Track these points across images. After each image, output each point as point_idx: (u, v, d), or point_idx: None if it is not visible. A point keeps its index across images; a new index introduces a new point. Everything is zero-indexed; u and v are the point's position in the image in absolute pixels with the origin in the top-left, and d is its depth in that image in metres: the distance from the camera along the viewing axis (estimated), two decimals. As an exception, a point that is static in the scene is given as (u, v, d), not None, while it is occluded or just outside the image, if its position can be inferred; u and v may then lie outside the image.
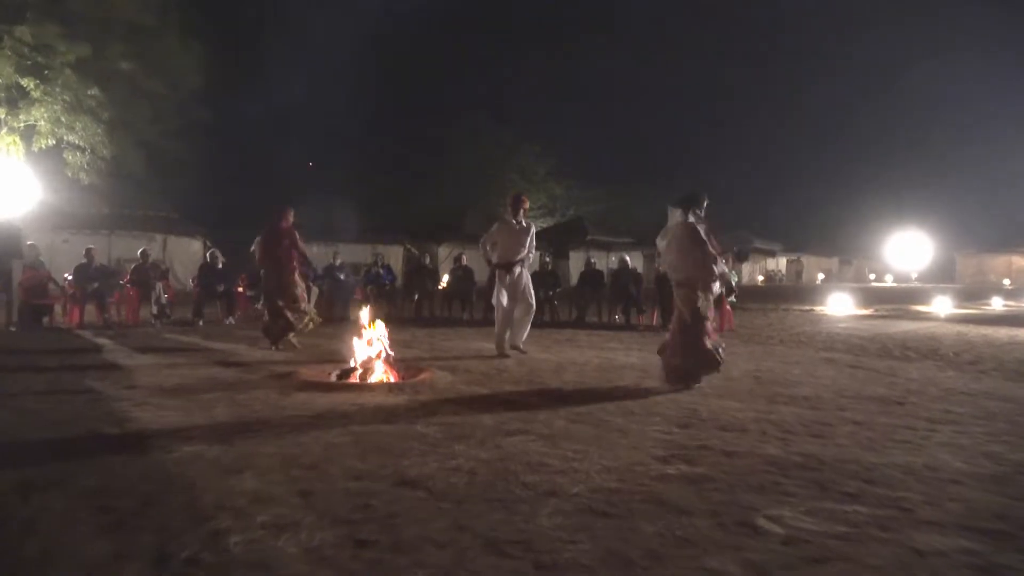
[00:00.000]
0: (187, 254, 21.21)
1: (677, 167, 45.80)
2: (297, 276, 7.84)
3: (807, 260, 41.84)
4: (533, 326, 7.71)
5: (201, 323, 10.76)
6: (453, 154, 35.39)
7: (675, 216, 5.51)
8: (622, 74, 56.45)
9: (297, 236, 7.77)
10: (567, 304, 12.67)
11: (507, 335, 7.25)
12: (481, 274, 16.43)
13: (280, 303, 7.63)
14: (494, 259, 7.27)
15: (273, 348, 7.51)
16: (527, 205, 7.41)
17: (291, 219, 7.81)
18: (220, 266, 11.80)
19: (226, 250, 12.86)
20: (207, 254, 12.59)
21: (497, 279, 7.29)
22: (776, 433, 3.95)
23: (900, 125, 53.12)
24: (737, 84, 56.69)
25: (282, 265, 7.66)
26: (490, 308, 7.72)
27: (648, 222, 27.84)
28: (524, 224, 7.28)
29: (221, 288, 11.50)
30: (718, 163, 48.42)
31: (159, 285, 11.53)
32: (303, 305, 7.85)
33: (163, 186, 22.17)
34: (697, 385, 5.33)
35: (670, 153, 51.98)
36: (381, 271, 13.61)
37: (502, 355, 7.11)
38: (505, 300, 7.16)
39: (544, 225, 34.37)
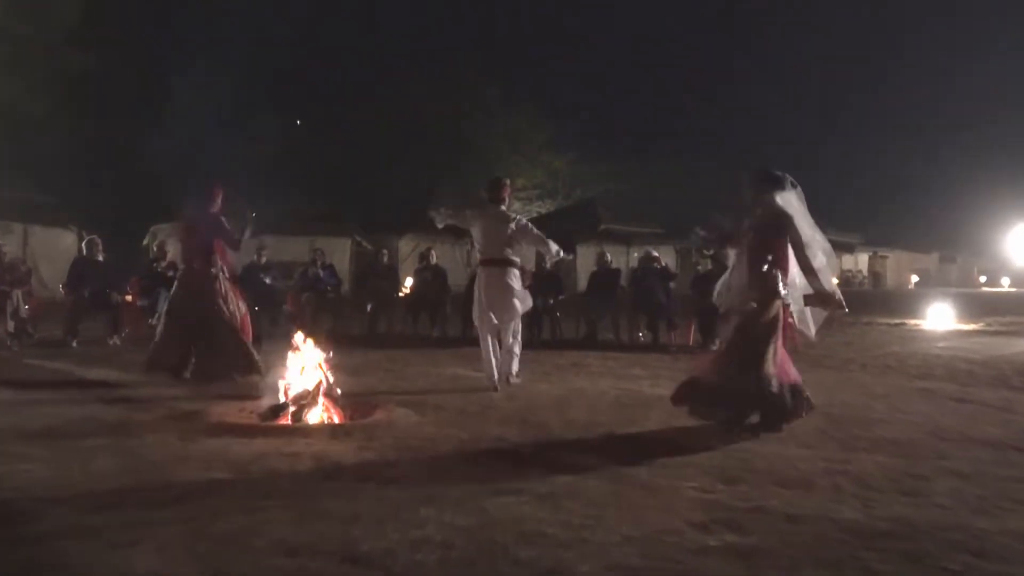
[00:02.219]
0: (56, 250, 21.03)
1: (721, 136, 45.99)
2: (228, 286, 7.83)
3: (897, 257, 42.14)
4: (527, 347, 7.73)
5: (76, 343, 10.69)
6: (420, 117, 35.36)
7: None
8: (649, 13, 56.65)
9: (224, 224, 7.76)
10: (573, 316, 12.69)
11: (496, 368, 7.29)
12: (456, 276, 16.46)
13: (201, 327, 7.60)
14: (475, 255, 7.43)
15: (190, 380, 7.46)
16: (508, 190, 7.64)
17: (219, 201, 7.81)
18: (100, 258, 11.67)
19: (111, 245, 12.76)
20: (83, 244, 12.45)
21: (477, 281, 7.38)
22: (854, 490, 3.98)
23: (1015, 88, 53.72)
24: (806, 36, 56.69)
25: (206, 270, 7.64)
26: (469, 322, 7.77)
27: (682, 206, 27.99)
28: (503, 212, 7.43)
29: (106, 294, 11.37)
30: (778, 132, 48.66)
31: (17, 293, 11.42)
32: (244, 337, 7.85)
33: (24, 159, 22.03)
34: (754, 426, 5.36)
35: (712, 117, 52.09)
36: (321, 273, 13.59)
37: (492, 388, 7.15)
38: (488, 310, 7.24)
39: (542, 211, 34.39)
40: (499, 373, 7.27)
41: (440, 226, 7.66)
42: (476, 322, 7.42)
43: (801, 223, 5.48)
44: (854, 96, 56.43)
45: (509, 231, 7.30)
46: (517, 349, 7.48)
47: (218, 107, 29.15)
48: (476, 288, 7.43)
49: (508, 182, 7.74)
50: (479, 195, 7.75)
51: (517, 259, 7.45)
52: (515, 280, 7.33)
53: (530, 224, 7.64)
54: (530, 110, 36.53)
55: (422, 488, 3.91)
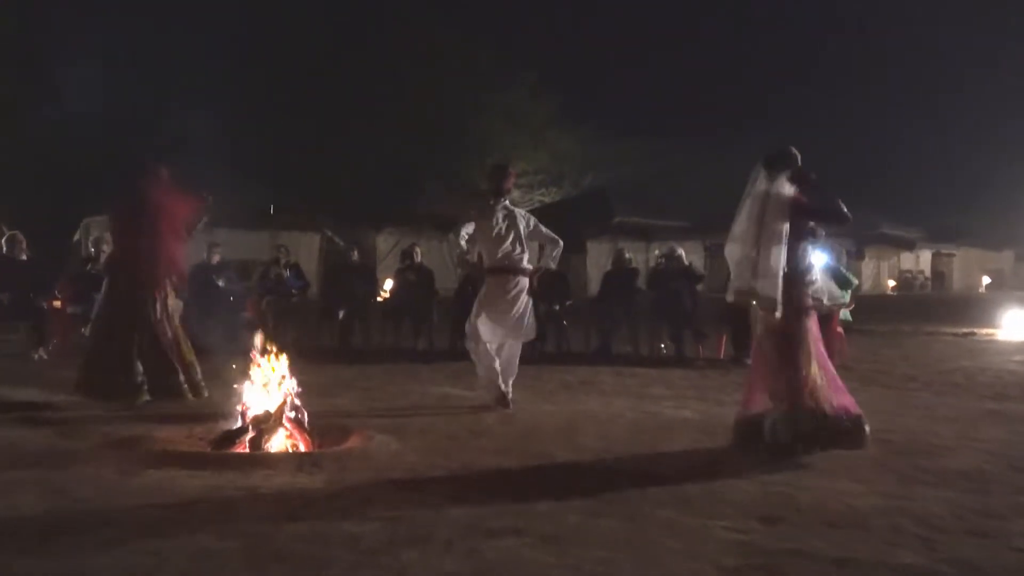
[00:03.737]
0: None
1: (759, 112, 45.85)
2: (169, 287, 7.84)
3: (965, 255, 42.10)
4: (529, 362, 7.75)
5: (-6, 359, 10.69)
6: (400, 88, 35.31)
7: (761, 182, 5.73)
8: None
9: (170, 211, 7.78)
10: (583, 325, 12.69)
11: (501, 377, 7.31)
12: (444, 277, 16.44)
13: (136, 336, 7.58)
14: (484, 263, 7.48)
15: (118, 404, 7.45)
16: (513, 179, 7.56)
17: (165, 183, 7.81)
18: (24, 257, 11.68)
19: (36, 242, 12.75)
20: (2, 241, 12.47)
21: (484, 293, 7.40)
22: (916, 530, 3.98)
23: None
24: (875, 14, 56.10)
25: (148, 266, 7.65)
26: (460, 332, 7.76)
27: (712, 195, 28.00)
28: (509, 208, 7.44)
29: (29, 299, 11.37)
30: (830, 111, 48.30)
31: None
32: (183, 347, 7.84)
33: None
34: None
35: (748, 91, 51.81)
36: (286, 274, 13.60)
37: (503, 405, 7.19)
38: (494, 326, 7.26)
39: (545, 200, 34.38)
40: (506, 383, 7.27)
41: (464, 245, 7.54)
42: (476, 328, 7.27)
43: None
44: (916, 73, 55.78)
45: (519, 232, 7.30)
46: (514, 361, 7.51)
47: (161, 78, 29.19)
48: (479, 301, 7.37)
49: (513, 171, 7.70)
50: (471, 182, 7.77)
51: (529, 265, 7.44)
52: (526, 294, 7.35)
53: (539, 222, 7.63)
54: (530, 79, 36.42)
55: (404, 528, 3.91)
